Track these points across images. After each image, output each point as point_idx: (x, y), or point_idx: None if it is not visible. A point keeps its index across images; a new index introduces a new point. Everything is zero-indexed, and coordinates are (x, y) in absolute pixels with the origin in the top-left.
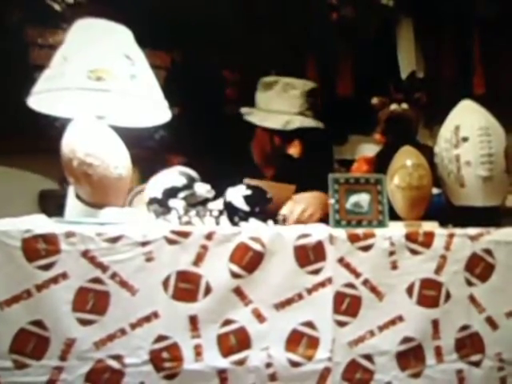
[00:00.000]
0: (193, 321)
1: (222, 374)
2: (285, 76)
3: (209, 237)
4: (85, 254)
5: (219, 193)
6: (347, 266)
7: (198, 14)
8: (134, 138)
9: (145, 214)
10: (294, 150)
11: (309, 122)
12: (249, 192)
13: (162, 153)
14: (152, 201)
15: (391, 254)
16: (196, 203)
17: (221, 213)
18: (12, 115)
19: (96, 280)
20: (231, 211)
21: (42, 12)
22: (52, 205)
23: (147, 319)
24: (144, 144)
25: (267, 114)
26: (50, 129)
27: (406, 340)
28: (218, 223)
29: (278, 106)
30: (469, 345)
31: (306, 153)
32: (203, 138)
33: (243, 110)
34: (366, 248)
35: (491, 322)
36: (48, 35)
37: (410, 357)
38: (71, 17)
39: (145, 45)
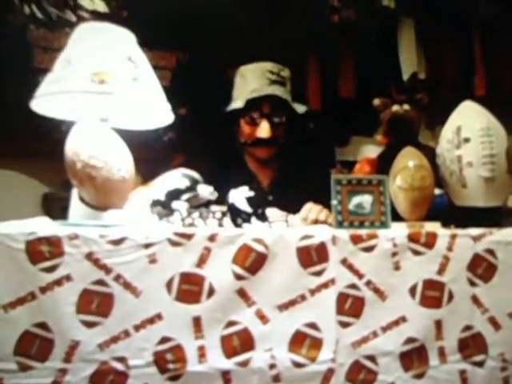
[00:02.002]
0: (196, 322)
1: (225, 375)
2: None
3: (212, 238)
4: (88, 256)
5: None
6: (350, 267)
7: (202, 14)
8: (142, 140)
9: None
10: (262, 131)
11: (273, 90)
12: (251, 194)
13: (170, 155)
14: (155, 203)
15: (394, 254)
16: (199, 205)
17: (224, 214)
18: (16, 118)
19: (100, 282)
20: (234, 213)
21: (46, 15)
22: (56, 207)
23: (151, 321)
24: (152, 146)
25: (232, 103)
26: (56, 132)
27: (410, 340)
28: (221, 225)
29: (240, 92)
30: (472, 345)
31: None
32: (209, 138)
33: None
34: (369, 249)
35: (494, 323)
36: (52, 38)
37: (414, 357)
38: (75, 20)
39: (150, 46)
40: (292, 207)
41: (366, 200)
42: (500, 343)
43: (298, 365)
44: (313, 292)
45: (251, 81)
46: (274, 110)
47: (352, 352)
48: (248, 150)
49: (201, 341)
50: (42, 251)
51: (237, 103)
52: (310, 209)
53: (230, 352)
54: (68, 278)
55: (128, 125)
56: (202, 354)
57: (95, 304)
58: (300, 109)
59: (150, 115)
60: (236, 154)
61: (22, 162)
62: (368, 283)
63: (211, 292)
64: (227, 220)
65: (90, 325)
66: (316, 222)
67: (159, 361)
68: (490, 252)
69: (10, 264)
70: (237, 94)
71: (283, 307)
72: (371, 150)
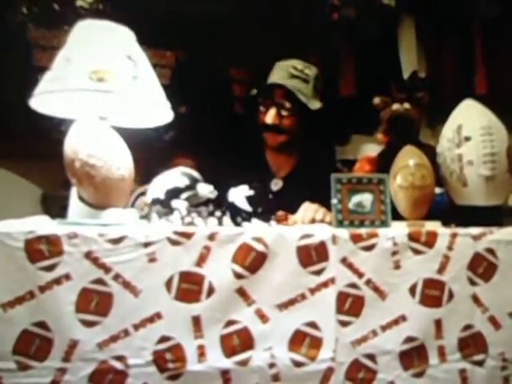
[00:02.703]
0: (196, 321)
1: (225, 374)
2: None
3: (211, 237)
4: (88, 255)
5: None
6: (350, 266)
7: (201, 12)
8: (143, 140)
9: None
10: (268, 117)
11: (287, 82)
12: (251, 192)
13: (171, 153)
14: (154, 202)
15: (394, 253)
16: (199, 204)
17: (223, 213)
18: (16, 118)
19: (99, 281)
20: (234, 212)
21: (45, 13)
22: (55, 206)
23: (150, 320)
24: (153, 145)
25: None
26: (55, 132)
27: (409, 340)
28: (220, 224)
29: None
30: (472, 344)
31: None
32: (211, 136)
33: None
34: (369, 248)
35: (494, 322)
36: (51, 37)
37: (413, 356)
38: (74, 18)
39: (149, 44)
40: (301, 203)
41: (366, 199)
42: (500, 342)
43: (297, 364)
44: (313, 291)
45: (275, 73)
46: (285, 101)
47: (352, 351)
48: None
49: (200, 340)
50: (41, 250)
51: (253, 91)
52: (307, 208)
53: (229, 351)
54: (67, 276)
55: (127, 123)
56: (201, 353)
57: (94, 303)
58: (314, 105)
59: (150, 114)
60: (255, 141)
61: (22, 161)
62: (368, 282)
63: (211, 291)
64: (227, 219)
65: (89, 324)
66: (313, 221)
67: (159, 360)
68: (491, 251)
69: (9, 263)
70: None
71: (283, 306)
72: (371, 149)
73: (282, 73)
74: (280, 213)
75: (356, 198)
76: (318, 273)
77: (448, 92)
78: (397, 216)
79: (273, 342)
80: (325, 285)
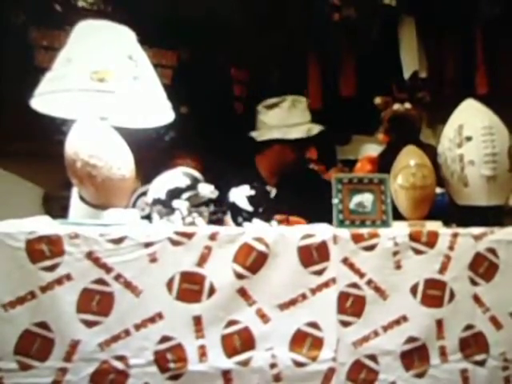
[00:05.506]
0: (197, 321)
1: (226, 374)
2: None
3: (212, 237)
4: (89, 255)
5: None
6: (351, 266)
7: (202, 12)
8: (144, 140)
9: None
10: (312, 154)
11: (319, 127)
12: (252, 192)
13: (173, 154)
14: (155, 202)
15: (395, 253)
16: (200, 204)
17: (224, 213)
18: (17, 118)
19: (100, 281)
20: (235, 212)
21: (47, 14)
22: (56, 206)
23: (151, 320)
24: (154, 146)
25: (288, 129)
26: (57, 133)
27: (411, 340)
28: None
29: (294, 119)
30: (473, 344)
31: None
32: (211, 137)
33: (253, 134)
34: (370, 248)
35: (495, 322)
36: (53, 37)
37: (415, 357)
38: (75, 18)
39: (150, 44)
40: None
41: (367, 199)
42: (501, 342)
43: (298, 364)
44: (314, 291)
45: (299, 114)
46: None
47: (353, 351)
48: None
49: (201, 340)
50: (43, 250)
51: (296, 133)
52: None
53: (230, 351)
54: (68, 277)
55: (128, 123)
56: (202, 353)
57: (95, 303)
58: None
59: (151, 114)
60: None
61: (23, 161)
62: (369, 282)
63: (212, 291)
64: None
65: (90, 324)
66: None
67: (160, 360)
68: (492, 251)
69: (10, 263)
70: (286, 121)
71: (284, 306)
72: (372, 149)
73: (307, 113)
74: (279, 217)
75: (357, 198)
76: (319, 273)
77: (449, 92)
78: (398, 216)
79: (274, 342)
80: (326, 285)
